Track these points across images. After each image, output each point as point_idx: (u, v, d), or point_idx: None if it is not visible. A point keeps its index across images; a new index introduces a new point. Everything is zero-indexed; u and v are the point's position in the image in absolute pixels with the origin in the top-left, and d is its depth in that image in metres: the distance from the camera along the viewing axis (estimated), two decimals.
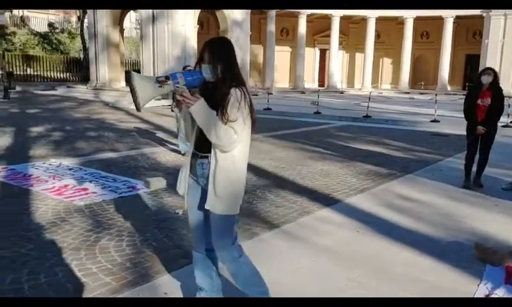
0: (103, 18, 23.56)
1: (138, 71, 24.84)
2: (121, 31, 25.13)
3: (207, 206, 2.55)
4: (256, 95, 24.25)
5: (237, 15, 24.38)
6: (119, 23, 24.46)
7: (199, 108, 2.40)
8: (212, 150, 2.49)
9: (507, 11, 26.24)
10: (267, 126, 12.66)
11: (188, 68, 8.22)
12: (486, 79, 5.92)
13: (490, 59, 25.80)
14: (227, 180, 2.51)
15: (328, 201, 5.47)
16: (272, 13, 29.04)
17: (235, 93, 2.43)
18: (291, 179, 6.58)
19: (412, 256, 3.86)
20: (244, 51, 25.35)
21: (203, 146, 2.52)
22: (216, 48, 2.51)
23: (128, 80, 2.44)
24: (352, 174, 6.98)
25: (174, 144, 9.14)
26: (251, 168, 7.23)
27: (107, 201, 5.22)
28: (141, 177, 6.36)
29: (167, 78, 2.39)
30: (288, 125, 13.43)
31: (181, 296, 3.10)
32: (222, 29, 24.53)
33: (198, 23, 22.57)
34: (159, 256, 3.72)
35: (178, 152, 8.28)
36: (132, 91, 2.38)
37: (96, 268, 3.49)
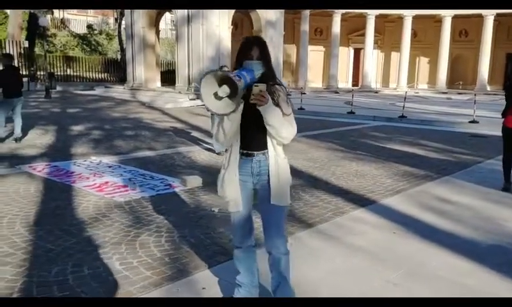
0: (139, 19, 24.10)
1: (173, 72, 25.29)
2: (157, 32, 25.65)
3: (273, 201, 2.60)
4: (290, 95, 24.12)
5: (271, 15, 24.42)
6: (155, 24, 24.97)
7: (271, 106, 2.43)
8: (271, 146, 2.56)
9: None
10: (300, 126, 12.55)
11: (224, 67, 8.33)
12: None
13: None
14: (288, 171, 2.65)
15: (362, 201, 5.44)
16: (306, 12, 28.94)
17: (281, 89, 2.57)
18: (325, 179, 6.57)
19: (451, 259, 3.80)
20: (277, 51, 25.36)
21: (255, 143, 2.56)
22: (264, 45, 2.57)
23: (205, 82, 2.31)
24: (387, 175, 6.90)
25: (209, 144, 9.28)
26: None
27: (146, 198, 5.37)
28: (178, 175, 6.50)
29: (239, 77, 2.30)
30: (321, 124, 13.37)
31: (219, 291, 3.17)
32: (256, 29, 24.64)
33: (232, 24, 22.76)
34: (197, 253, 3.82)
35: (213, 151, 8.41)
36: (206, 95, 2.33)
37: (136, 262, 3.61)
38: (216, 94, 2.27)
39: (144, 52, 24.55)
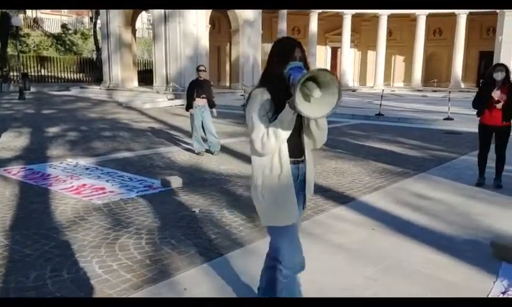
0: (115, 18, 23.79)
1: (150, 71, 25.07)
2: (134, 31, 25.37)
3: (303, 208, 2.58)
4: None
5: (249, 14, 24.45)
6: (131, 23, 24.69)
7: None
8: (307, 151, 2.47)
9: None
10: None
11: (201, 67, 8.31)
12: (499, 75, 5.86)
13: (504, 55, 25.47)
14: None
15: (342, 199, 5.50)
16: (284, 11, 29.05)
17: None
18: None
19: (428, 253, 3.88)
20: (255, 50, 25.43)
21: (297, 150, 2.41)
22: (302, 47, 2.43)
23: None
24: (366, 172, 6.99)
25: (188, 144, 9.23)
26: None
27: (125, 200, 5.32)
28: (157, 176, 6.45)
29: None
30: None
31: (200, 292, 3.16)
32: (234, 28, 24.64)
33: (209, 23, 22.68)
34: (178, 254, 3.80)
35: (193, 151, 8.37)
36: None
37: (116, 265, 3.58)
38: (307, 96, 2.06)
39: (121, 52, 24.25)
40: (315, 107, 2.08)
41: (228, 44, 26.51)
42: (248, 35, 24.68)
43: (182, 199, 5.42)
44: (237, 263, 3.64)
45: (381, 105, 15.77)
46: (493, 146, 6.21)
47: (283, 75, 2.23)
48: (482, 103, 6.04)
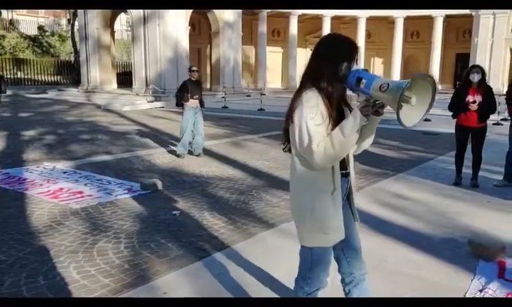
0: (93, 20, 23.48)
1: (129, 74, 24.80)
2: (112, 33, 25.07)
3: (355, 220, 2.39)
4: (249, 96, 24.32)
5: (229, 16, 24.42)
6: (110, 25, 24.40)
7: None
8: (352, 162, 2.32)
9: (496, 10, 26.52)
10: (260, 127, 12.71)
11: (193, 66, 8.24)
12: (475, 77, 5.97)
13: (480, 57, 26.05)
14: None
15: None
16: (264, 13, 29.11)
17: None
18: (286, 179, 6.61)
19: (407, 253, 3.92)
20: (236, 52, 25.43)
21: (345, 159, 2.23)
22: None
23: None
24: None
25: (169, 146, 9.16)
26: (246, 169, 7.27)
27: (103, 204, 5.23)
28: (136, 179, 6.37)
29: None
30: (281, 125, 13.30)
31: (180, 296, 3.12)
32: (214, 30, 24.57)
33: (189, 25, 22.57)
34: (157, 258, 3.75)
35: (173, 153, 8.30)
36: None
37: (94, 270, 3.51)
38: (406, 102, 1.90)
39: (99, 54, 23.94)
40: (408, 114, 1.92)
41: (209, 46, 26.43)
42: (228, 37, 24.65)
43: (162, 202, 5.36)
44: (218, 265, 3.61)
45: None
46: (469, 147, 6.32)
47: (347, 78, 2.02)
48: (458, 105, 6.14)
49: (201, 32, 27.73)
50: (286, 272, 3.50)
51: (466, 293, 3.18)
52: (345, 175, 2.24)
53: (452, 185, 6.26)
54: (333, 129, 2.02)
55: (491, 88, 6.14)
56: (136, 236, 4.22)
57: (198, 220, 4.72)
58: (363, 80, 1.95)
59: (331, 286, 3.36)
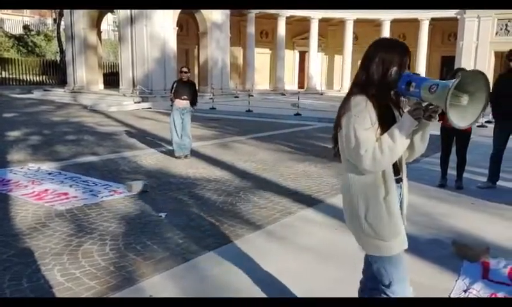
0: (80, 20, 23.26)
1: (116, 74, 24.61)
2: (99, 33, 24.86)
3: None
4: (237, 97, 24.30)
5: (217, 17, 24.39)
6: (96, 25, 24.19)
7: None
8: (404, 169, 2.22)
9: (481, 13, 26.91)
10: (248, 128, 12.72)
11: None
12: None
13: (465, 60, 26.39)
14: None
15: (310, 201, 5.54)
16: (252, 15, 29.12)
17: None
18: (273, 180, 6.64)
19: None
20: (224, 53, 25.39)
21: (395, 164, 2.12)
22: None
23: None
24: (333, 174, 7.07)
25: (156, 147, 9.10)
26: (234, 170, 7.26)
27: (89, 205, 5.18)
28: (123, 180, 6.32)
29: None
30: (269, 126, 13.50)
31: (177, 297, 3.10)
32: (202, 31, 24.51)
33: (177, 25, 22.49)
34: (143, 260, 3.72)
35: (161, 154, 8.26)
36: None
37: (79, 272, 3.47)
38: (457, 101, 1.84)
39: (86, 54, 23.71)
40: (459, 115, 1.84)
41: (197, 47, 26.36)
42: (216, 38, 24.62)
43: (148, 203, 5.32)
44: (204, 267, 3.60)
45: None
46: (454, 149, 6.39)
47: (397, 83, 1.99)
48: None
49: (189, 33, 27.64)
50: (273, 273, 3.51)
51: (450, 293, 3.22)
52: (398, 181, 2.16)
53: (437, 187, 6.33)
54: (381, 134, 1.99)
55: None
56: (121, 238, 4.19)
57: (184, 221, 4.70)
58: (413, 84, 1.91)
59: (300, 288, 3.39)
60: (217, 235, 4.33)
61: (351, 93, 2.09)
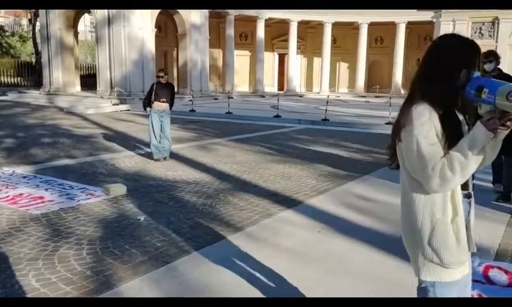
0: (56, 20, 22.85)
1: (94, 76, 24.26)
2: (76, 34, 24.47)
3: (472, 250, 1.97)
4: (217, 99, 24.24)
5: (195, 19, 24.29)
6: (73, 26, 23.81)
7: None
8: (471, 183, 1.94)
9: (456, 17, 27.52)
10: (228, 130, 12.70)
11: None
12: None
13: None
14: None
15: (289, 203, 5.56)
16: (231, 17, 29.12)
17: None
18: (253, 182, 6.63)
19: (372, 254, 3.99)
20: (203, 55, 25.30)
21: (466, 180, 1.84)
22: None
23: None
24: (312, 176, 7.11)
25: (134, 149, 9.00)
26: (213, 172, 7.24)
27: (65, 209, 5.08)
28: (100, 184, 6.23)
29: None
30: (249, 128, 13.50)
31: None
32: (180, 32, 24.38)
33: (155, 27, 22.31)
34: (121, 264, 3.67)
35: (139, 157, 8.16)
36: None
37: (55, 277, 3.40)
38: None
39: (62, 55, 23.30)
40: None
41: (175, 49, 26.20)
42: (195, 40, 24.51)
43: (126, 207, 5.25)
44: (184, 271, 3.57)
45: (326, 110, 16.14)
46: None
47: (465, 87, 1.72)
48: None
49: (167, 35, 27.44)
50: (253, 275, 3.51)
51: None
52: (467, 196, 1.91)
53: None
54: (449, 148, 1.71)
55: None
56: (98, 242, 4.12)
57: (163, 224, 4.65)
58: (485, 89, 1.66)
59: (279, 289, 3.40)
60: (197, 237, 4.30)
61: (411, 99, 1.81)
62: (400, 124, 1.79)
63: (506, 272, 3.47)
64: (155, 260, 3.74)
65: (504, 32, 25.40)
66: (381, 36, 34.50)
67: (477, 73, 1.75)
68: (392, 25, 31.21)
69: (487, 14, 26.74)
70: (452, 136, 1.73)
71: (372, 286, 3.35)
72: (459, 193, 1.82)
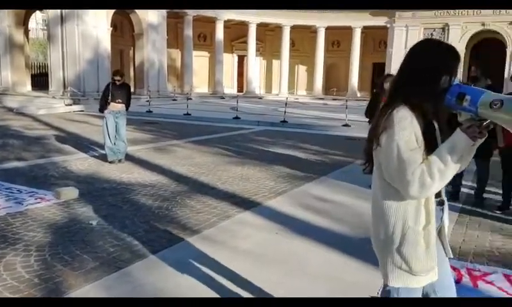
0: (5, 17, 21.86)
1: (46, 75, 23.34)
2: (26, 31, 23.54)
3: (449, 255, 2.05)
4: (175, 100, 23.94)
5: (153, 18, 23.92)
6: (23, 23, 22.87)
7: None
8: (444, 190, 1.96)
9: (408, 23, 28.54)
10: (186, 132, 12.54)
11: None
12: (388, 85, 6.34)
13: (394, 66, 27.50)
14: None
15: (247, 204, 5.53)
16: (189, 17, 28.86)
17: None
18: (211, 184, 6.57)
19: (329, 254, 4.03)
20: (161, 55, 24.96)
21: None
22: None
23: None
24: (271, 177, 7.13)
25: (88, 151, 8.71)
26: (170, 175, 7.11)
27: (12, 214, 4.83)
28: (51, 187, 5.97)
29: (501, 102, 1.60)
30: (207, 130, 13.39)
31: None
32: (137, 32, 23.93)
33: (111, 26, 21.77)
34: (72, 270, 3.51)
35: (93, 159, 7.90)
36: None
37: (0, 286, 3.21)
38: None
39: (11, 53, 22.33)
40: None
41: (132, 48, 25.68)
42: (152, 39, 24.12)
43: (78, 211, 5.06)
44: (138, 276, 3.46)
45: (285, 112, 16.27)
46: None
47: (445, 94, 1.72)
48: (374, 112, 6.47)
49: (123, 34, 26.86)
50: (211, 278, 3.45)
51: (378, 291, 3.31)
52: (440, 204, 1.94)
53: (369, 188, 6.55)
54: (428, 154, 1.72)
55: None
56: (48, 249, 3.93)
57: (117, 229, 4.51)
58: (467, 97, 1.65)
59: (238, 291, 3.37)
60: (152, 241, 4.20)
61: (392, 103, 1.80)
62: (380, 128, 1.77)
63: (454, 268, 3.59)
64: (108, 266, 3.61)
65: (453, 38, 26.54)
66: (338, 39, 35.23)
67: (456, 80, 1.76)
68: (348, 30, 31.95)
69: (438, 20, 27.90)
70: (430, 142, 1.75)
71: (331, 287, 3.37)
72: (433, 200, 1.84)
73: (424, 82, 1.76)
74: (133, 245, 4.07)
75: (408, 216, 1.81)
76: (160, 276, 3.47)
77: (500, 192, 5.69)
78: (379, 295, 3.20)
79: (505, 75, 24.94)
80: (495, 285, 3.46)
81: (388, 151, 1.73)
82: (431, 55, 1.79)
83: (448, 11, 27.15)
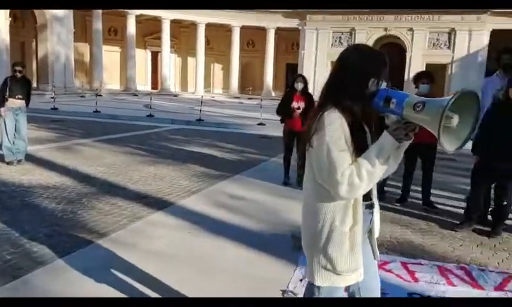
0: None
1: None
2: None
3: (377, 258, 2.13)
4: (84, 97, 22.73)
5: (57, 10, 22.47)
6: None
7: None
8: (375, 192, 2.05)
9: (319, 26, 29.78)
10: (95, 130, 11.97)
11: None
12: (299, 85, 6.63)
13: (306, 68, 28.87)
14: None
15: (160, 204, 5.41)
16: (98, 10, 27.54)
17: None
18: (121, 185, 6.32)
19: (241, 251, 4.07)
20: (67, 48, 23.60)
21: (369, 190, 1.90)
22: None
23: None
24: (185, 176, 7.04)
25: None
26: (77, 175, 6.73)
27: None
28: None
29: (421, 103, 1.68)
30: (118, 128, 12.87)
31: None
32: (40, 23, 22.39)
33: (10, 16, 20.10)
34: None
35: None
36: None
37: None
38: (447, 123, 1.63)
39: None
40: (448, 138, 1.67)
41: (35, 40, 23.93)
42: (57, 32, 22.69)
43: None
44: (38, 284, 3.23)
45: (201, 110, 16.18)
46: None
47: (373, 97, 1.80)
48: (285, 111, 6.69)
49: (25, 25, 24.94)
50: (121, 281, 3.32)
51: (288, 284, 3.42)
52: (370, 207, 2.01)
53: (281, 185, 6.74)
54: (356, 156, 1.79)
55: (312, 96, 6.80)
56: None
57: (14, 235, 4.16)
58: (393, 100, 1.73)
59: (150, 292, 3.30)
60: (55, 246, 3.93)
61: (323, 107, 1.85)
62: (312, 130, 1.83)
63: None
64: (2, 275, 3.31)
65: (359, 42, 27.95)
66: (253, 39, 35.80)
67: (384, 85, 1.84)
68: (263, 30, 32.57)
69: (346, 24, 29.44)
70: (359, 144, 1.82)
71: (244, 284, 3.39)
72: (360, 202, 1.90)
73: (353, 86, 1.83)
74: (33, 252, 3.79)
75: (335, 217, 1.87)
76: (63, 283, 3.27)
77: (399, 185, 6.15)
78: (289, 289, 3.31)
79: (405, 78, 27.01)
80: (394, 273, 3.72)
81: (319, 152, 1.80)
82: (360, 61, 1.86)
83: (355, 16, 28.74)
